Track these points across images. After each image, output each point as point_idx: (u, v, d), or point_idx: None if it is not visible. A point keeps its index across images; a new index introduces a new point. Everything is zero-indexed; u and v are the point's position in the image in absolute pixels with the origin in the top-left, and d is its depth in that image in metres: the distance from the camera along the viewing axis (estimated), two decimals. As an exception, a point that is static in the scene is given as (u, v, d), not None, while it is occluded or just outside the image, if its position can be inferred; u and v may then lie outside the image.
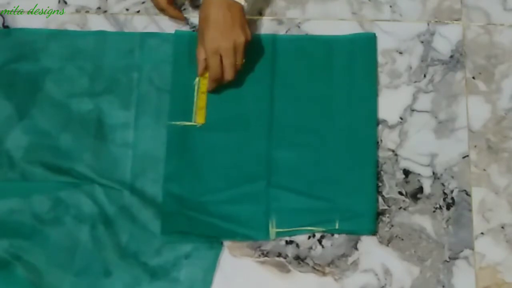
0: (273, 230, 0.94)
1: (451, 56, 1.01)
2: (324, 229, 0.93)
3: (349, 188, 0.94)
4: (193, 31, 1.02)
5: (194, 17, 1.03)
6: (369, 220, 0.93)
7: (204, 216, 0.94)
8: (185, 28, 1.03)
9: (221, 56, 0.94)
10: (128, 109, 0.99)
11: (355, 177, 0.95)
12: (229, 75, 0.95)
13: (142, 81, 1.00)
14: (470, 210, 0.95)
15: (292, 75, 0.99)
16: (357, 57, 1.00)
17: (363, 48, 1.01)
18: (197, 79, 0.99)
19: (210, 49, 0.93)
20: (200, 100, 0.98)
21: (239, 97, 0.99)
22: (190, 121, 0.98)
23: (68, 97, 0.99)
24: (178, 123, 0.98)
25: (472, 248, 0.93)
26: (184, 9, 1.04)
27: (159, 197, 0.95)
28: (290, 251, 0.94)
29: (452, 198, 0.95)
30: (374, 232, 0.94)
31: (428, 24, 1.02)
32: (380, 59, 1.01)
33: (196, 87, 0.99)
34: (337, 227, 0.93)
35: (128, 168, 0.96)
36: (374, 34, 1.01)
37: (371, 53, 1.01)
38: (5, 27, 1.03)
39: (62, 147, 0.97)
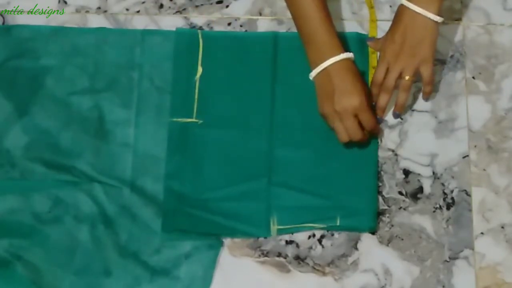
0: (274, 227, 0.94)
1: (451, 56, 1.01)
2: (325, 226, 0.93)
3: (349, 185, 0.95)
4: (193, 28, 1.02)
5: (194, 17, 1.03)
6: (369, 217, 0.94)
7: (205, 214, 0.94)
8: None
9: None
10: (128, 107, 0.99)
11: (356, 175, 0.95)
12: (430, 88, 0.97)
13: (142, 79, 1.00)
14: (470, 210, 0.95)
15: (293, 72, 0.99)
16: (357, 55, 1.00)
17: (363, 47, 1.01)
18: (198, 75, 0.99)
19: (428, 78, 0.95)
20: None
21: (240, 95, 0.99)
22: (191, 118, 0.98)
23: (68, 95, 0.99)
24: (179, 119, 0.98)
25: (472, 248, 0.93)
26: (184, 9, 1.04)
27: (160, 196, 0.95)
28: (290, 251, 0.94)
29: (452, 198, 0.95)
30: (374, 230, 0.94)
31: (428, 24, 1.02)
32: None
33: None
34: (338, 224, 0.93)
35: (128, 167, 0.96)
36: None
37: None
38: (5, 27, 1.03)
39: (63, 145, 0.97)
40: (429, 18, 0.92)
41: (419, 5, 0.91)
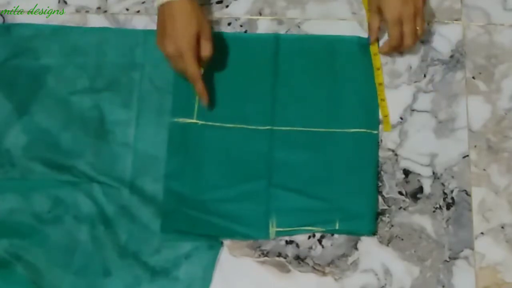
0: (273, 230, 0.94)
1: (451, 56, 1.01)
2: (324, 229, 0.93)
3: (349, 188, 0.94)
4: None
5: (194, 17, 1.03)
6: (369, 220, 0.93)
7: (204, 215, 0.94)
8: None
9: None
10: (129, 107, 0.99)
11: (355, 178, 0.95)
12: (410, 41, 0.96)
13: (143, 79, 1.00)
14: (470, 210, 0.95)
15: (294, 74, 0.99)
16: (359, 57, 1.00)
17: (365, 50, 1.01)
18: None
19: (392, 17, 0.94)
20: (382, 108, 0.98)
21: (241, 96, 0.99)
22: (192, 118, 0.98)
23: (69, 95, 0.99)
24: (179, 120, 0.98)
25: (472, 248, 0.93)
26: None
27: (159, 196, 0.95)
28: (290, 251, 0.94)
29: (452, 198, 0.95)
30: (374, 233, 0.94)
31: (428, 24, 1.02)
32: (381, 59, 1.01)
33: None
34: (337, 227, 0.93)
35: (128, 167, 0.96)
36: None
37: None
38: (5, 26, 1.03)
39: (63, 145, 0.97)
40: None
41: None
